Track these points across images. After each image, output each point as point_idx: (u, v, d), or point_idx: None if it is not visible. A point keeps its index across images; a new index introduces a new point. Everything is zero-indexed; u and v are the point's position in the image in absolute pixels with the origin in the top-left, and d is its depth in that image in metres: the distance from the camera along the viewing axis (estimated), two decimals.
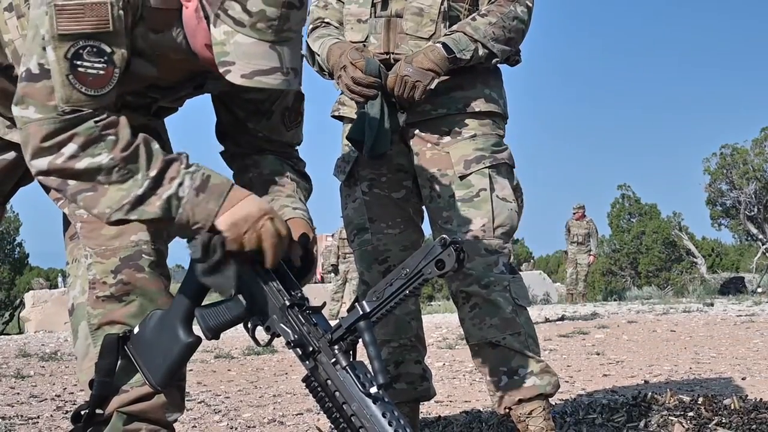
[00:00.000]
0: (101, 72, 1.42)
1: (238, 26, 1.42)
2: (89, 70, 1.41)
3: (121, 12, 1.43)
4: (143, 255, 1.66)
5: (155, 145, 1.46)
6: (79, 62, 1.40)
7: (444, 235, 1.53)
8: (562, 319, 8.81)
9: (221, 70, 1.44)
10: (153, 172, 1.43)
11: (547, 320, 8.60)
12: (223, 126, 1.81)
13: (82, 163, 1.41)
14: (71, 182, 1.42)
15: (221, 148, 1.85)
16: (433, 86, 2.19)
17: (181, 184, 1.44)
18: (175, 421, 1.71)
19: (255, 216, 1.48)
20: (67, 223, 1.78)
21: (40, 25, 1.40)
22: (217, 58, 1.44)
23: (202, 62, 1.54)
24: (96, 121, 1.42)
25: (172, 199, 1.44)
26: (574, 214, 14.92)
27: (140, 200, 1.43)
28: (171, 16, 1.52)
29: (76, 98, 1.40)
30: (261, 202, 1.51)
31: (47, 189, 1.77)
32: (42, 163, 1.42)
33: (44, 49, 1.40)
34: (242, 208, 1.47)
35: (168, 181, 1.44)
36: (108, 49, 1.42)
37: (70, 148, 1.40)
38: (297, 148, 1.86)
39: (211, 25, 1.44)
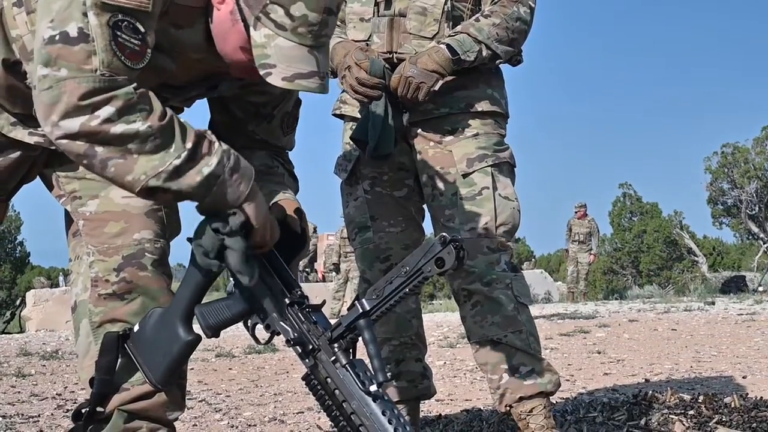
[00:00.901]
0: (137, 48, 1.41)
1: (280, 30, 1.43)
2: (127, 43, 1.40)
3: None
4: (146, 253, 1.66)
5: (182, 119, 1.45)
6: (119, 32, 1.39)
7: (444, 233, 1.53)
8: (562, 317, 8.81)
9: (261, 72, 1.45)
10: (189, 144, 1.40)
11: (544, 317, 8.60)
12: (218, 126, 1.81)
13: (118, 128, 1.36)
14: (99, 149, 1.37)
15: None
16: (437, 88, 2.19)
17: (219, 162, 1.42)
18: (176, 419, 1.71)
19: (268, 216, 1.51)
20: (69, 220, 1.78)
21: None
22: (257, 60, 1.45)
23: (232, 65, 1.54)
24: (134, 88, 1.39)
25: (211, 178, 1.41)
26: (576, 212, 14.92)
27: (177, 171, 1.39)
28: (194, 14, 1.53)
29: (116, 65, 1.38)
30: (264, 199, 1.53)
31: (51, 186, 1.77)
32: (73, 123, 1.35)
33: (85, 15, 1.37)
34: (263, 208, 1.49)
35: (202, 156, 1.41)
36: (142, 29, 1.42)
37: (107, 110, 1.36)
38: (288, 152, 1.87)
39: (251, 28, 1.45)
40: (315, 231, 15.40)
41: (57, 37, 1.37)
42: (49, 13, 1.39)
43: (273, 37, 1.44)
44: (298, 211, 1.64)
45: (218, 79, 1.68)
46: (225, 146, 1.45)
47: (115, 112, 1.36)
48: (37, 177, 1.84)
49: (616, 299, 14.46)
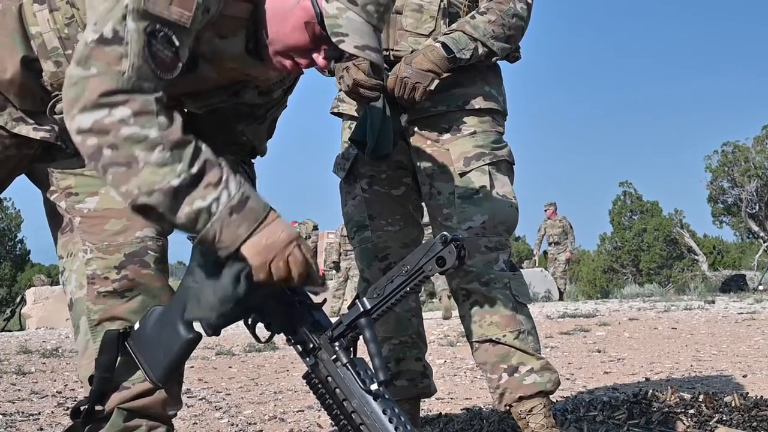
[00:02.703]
0: (168, 59, 1.42)
1: (351, 4, 1.52)
2: (159, 53, 1.41)
3: (201, 16, 1.45)
4: (149, 251, 1.66)
5: (204, 145, 1.41)
6: (153, 41, 1.40)
7: (445, 232, 1.53)
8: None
9: (334, 39, 1.51)
10: (194, 170, 1.37)
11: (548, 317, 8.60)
12: (199, 120, 1.79)
13: (129, 130, 1.35)
14: (107, 152, 1.35)
15: None
16: (432, 87, 2.19)
17: (217, 199, 1.37)
18: (175, 415, 1.71)
19: (283, 242, 1.42)
20: (52, 216, 1.76)
21: None
22: (329, 29, 1.51)
23: (277, 55, 1.56)
24: (156, 99, 1.39)
25: (202, 213, 1.37)
26: (545, 211, 14.87)
27: (174, 193, 1.36)
28: (238, 24, 1.56)
29: (145, 72, 1.39)
30: (287, 226, 1.44)
31: (45, 185, 1.76)
32: (87, 119, 1.35)
33: (124, 17, 1.38)
34: (268, 235, 1.40)
35: (204, 187, 1.37)
36: (176, 42, 1.43)
37: (123, 111, 1.35)
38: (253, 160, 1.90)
39: (323, 1, 1.52)
40: (316, 228, 15.39)
41: (96, 39, 1.38)
42: (95, 15, 1.41)
43: (344, 10, 1.51)
44: None
45: (241, 86, 1.70)
46: (234, 182, 1.40)
47: (130, 115, 1.36)
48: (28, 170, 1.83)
49: (616, 298, 14.44)
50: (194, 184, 1.36)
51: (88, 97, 1.35)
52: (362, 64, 2.18)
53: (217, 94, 1.69)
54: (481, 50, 2.23)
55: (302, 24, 1.52)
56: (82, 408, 1.64)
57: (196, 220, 1.37)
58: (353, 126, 2.32)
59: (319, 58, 1.57)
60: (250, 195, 1.40)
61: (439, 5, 2.27)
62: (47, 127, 1.64)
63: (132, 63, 1.37)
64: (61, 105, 1.58)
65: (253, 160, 1.90)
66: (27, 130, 1.65)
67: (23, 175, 1.80)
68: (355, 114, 2.36)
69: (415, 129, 2.31)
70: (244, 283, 1.41)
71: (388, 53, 2.26)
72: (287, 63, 1.58)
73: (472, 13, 2.27)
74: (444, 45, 2.20)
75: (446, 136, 2.29)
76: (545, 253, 15.28)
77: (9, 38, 1.58)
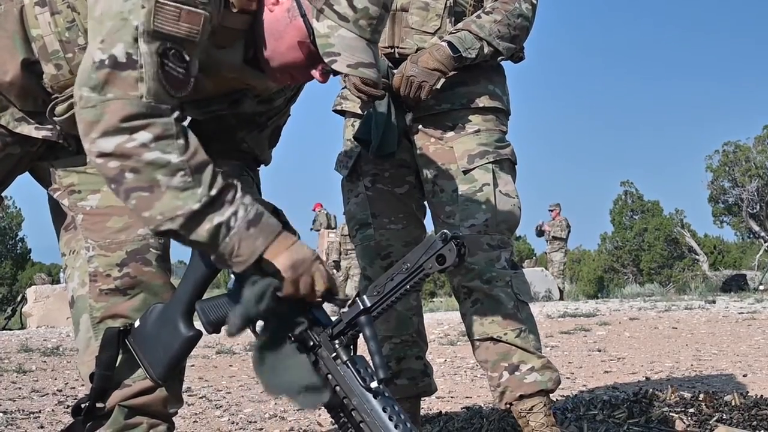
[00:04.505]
0: (181, 76, 1.43)
1: (342, 21, 1.49)
2: (173, 72, 1.42)
3: (209, 27, 1.45)
4: (151, 249, 1.66)
5: (217, 169, 1.44)
6: (166, 60, 1.41)
7: (445, 230, 1.53)
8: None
9: (327, 59, 1.49)
10: (213, 192, 1.40)
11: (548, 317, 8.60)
12: (202, 126, 1.79)
13: (151, 155, 1.37)
14: (129, 176, 1.38)
15: None
16: (438, 86, 2.20)
17: (234, 214, 1.41)
18: (175, 414, 1.71)
19: (309, 259, 1.47)
20: (57, 214, 1.77)
21: (134, 18, 1.39)
22: (321, 49, 1.49)
23: (276, 70, 1.56)
24: (174, 120, 1.40)
25: (222, 227, 1.40)
26: (550, 212, 14.99)
27: (194, 217, 1.39)
28: (236, 35, 1.56)
29: (161, 94, 1.40)
30: (307, 246, 1.49)
31: (48, 183, 1.76)
32: (109, 143, 1.37)
33: (135, 40, 1.39)
34: (298, 252, 1.46)
35: (221, 205, 1.40)
36: (187, 58, 1.44)
37: (144, 136, 1.37)
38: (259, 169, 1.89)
39: (314, 20, 1.49)
40: (335, 226, 15.42)
41: (106, 61, 1.38)
42: (101, 33, 1.41)
43: (336, 28, 1.49)
44: (275, 211, 1.64)
45: (240, 94, 1.70)
46: (248, 199, 1.44)
47: (152, 139, 1.37)
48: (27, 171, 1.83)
49: (610, 297, 14.45)
50: (213, 206, 1.40)
51: (109, 121, 1.37)
52: None
53: (217, 101, 1.69)
54: (486, 50, 2.23)
55: (296, 43, 1.52)
56: (83, 405, 1.64)
57: (215, 236, 1.40)
58: (356, 124, 2.32)
59: (317, 74, 1.57)
60: (264, 212, 1.45)
61: (446, 4, 2.27)
62: (49, 126, 1.64)
63: (149, 87, 1.39)
64: (61, 107, 1.59)
65: (258, 169, 1.89)
66: (29, 129, 1.65)
67: (25, 172, 1.80)
68: (358, 111, 2.36)
69: (419, 127, 2.31)
70: (268, 299, 1.44)
71: (393, 50, 2.26)
72: (286, 78, 1.59)
73: (478, 12, 2.27)
74: (450, 44, 2.20)
75: (450, 134, 2.29)
76: (545, 253, 15.36)
77: (10, 40, 1.58)
